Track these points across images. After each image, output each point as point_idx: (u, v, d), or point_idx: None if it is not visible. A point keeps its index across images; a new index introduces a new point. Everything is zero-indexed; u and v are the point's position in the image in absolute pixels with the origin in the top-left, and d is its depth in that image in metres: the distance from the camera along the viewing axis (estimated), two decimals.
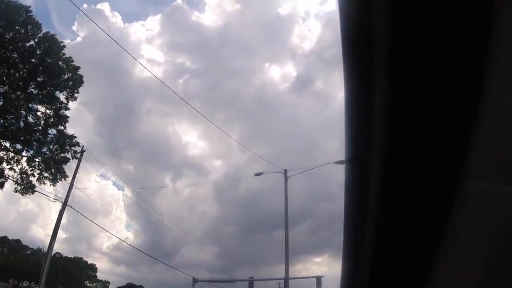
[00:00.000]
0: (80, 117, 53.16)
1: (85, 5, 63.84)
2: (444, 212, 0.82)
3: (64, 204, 22.35)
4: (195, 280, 25.92)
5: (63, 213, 22.20)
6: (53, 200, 24.90)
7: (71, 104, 26.04)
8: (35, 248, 57.72)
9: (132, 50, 62.76)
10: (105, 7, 62.85)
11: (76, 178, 25.30)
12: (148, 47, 63.94)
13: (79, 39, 58.09)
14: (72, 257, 64.76)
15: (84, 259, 66.89)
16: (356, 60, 0.87)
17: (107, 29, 60.56)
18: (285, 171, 20.59)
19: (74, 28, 66.80)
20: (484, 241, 0.79)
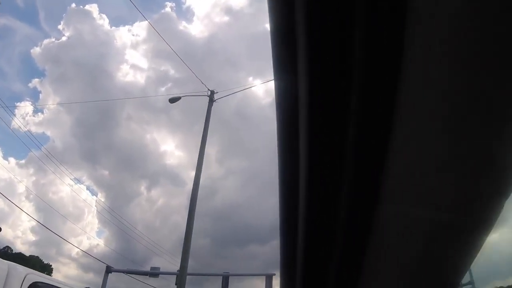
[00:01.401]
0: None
1: (73, 5, 62.60)
2: (364, 231, 0.88)
3: None
4: (108, 270, 21.22)
5: None
6: None
7: None
8: None
9: (116, 55, 60.87)
10: (93, 8, 60.95)
11: None
12: (133, 52, 62.35)
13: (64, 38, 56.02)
14: (28, 255, 60.58)
15: (40, 258, 63.15)
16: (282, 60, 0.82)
17: (93, 31, 58.39)
18: (212, 93, 17.33)
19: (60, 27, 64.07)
20: (403, 255, 0.88)
